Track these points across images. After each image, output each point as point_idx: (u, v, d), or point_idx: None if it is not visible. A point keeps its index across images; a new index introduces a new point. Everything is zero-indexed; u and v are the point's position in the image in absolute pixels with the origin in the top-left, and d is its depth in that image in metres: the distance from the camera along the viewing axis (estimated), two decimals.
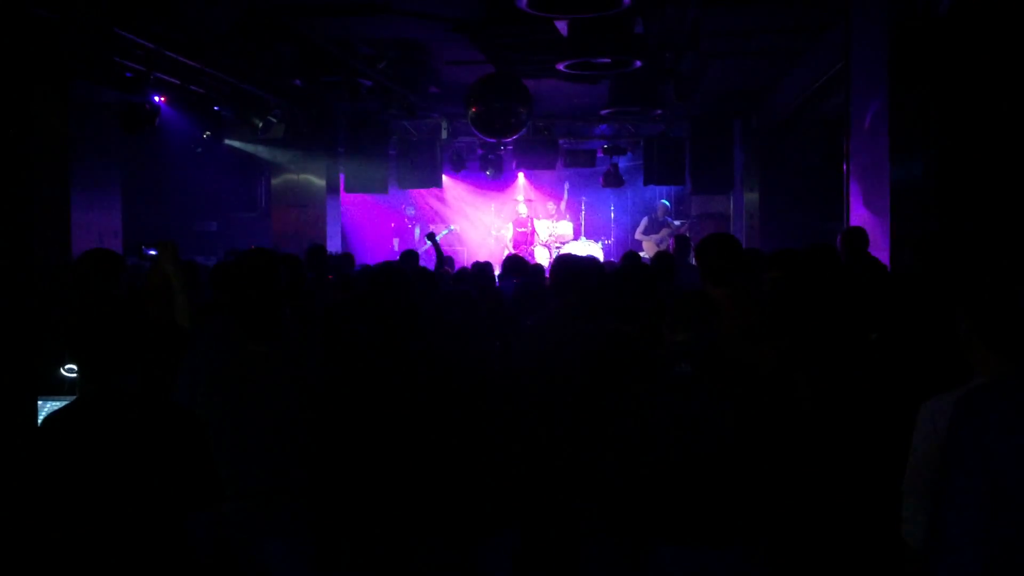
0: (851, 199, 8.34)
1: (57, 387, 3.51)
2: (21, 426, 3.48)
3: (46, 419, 2.70)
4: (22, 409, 3.50)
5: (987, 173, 5.91)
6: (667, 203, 16.05)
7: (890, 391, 3.20)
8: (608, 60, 9.63)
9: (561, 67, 9.88)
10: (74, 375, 3.50)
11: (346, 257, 9.49)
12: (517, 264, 7.81)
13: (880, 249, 6.81)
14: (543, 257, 15.40)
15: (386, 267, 4.19)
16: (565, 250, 14.49)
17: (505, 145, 14.98)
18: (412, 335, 3.77)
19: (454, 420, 3.46)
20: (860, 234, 6.46)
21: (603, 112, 13.40)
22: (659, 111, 13.24)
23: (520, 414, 3.57)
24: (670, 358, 3.16)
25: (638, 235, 15.73)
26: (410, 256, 8.64)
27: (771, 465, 3.09)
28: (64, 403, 2.86)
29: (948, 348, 3.03)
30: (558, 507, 3.59)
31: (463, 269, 7.89)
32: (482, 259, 8.81)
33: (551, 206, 17.17)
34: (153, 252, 4.06)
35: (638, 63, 9.82)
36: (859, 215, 7.92)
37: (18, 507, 2.65)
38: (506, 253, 15.74)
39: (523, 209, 16.77)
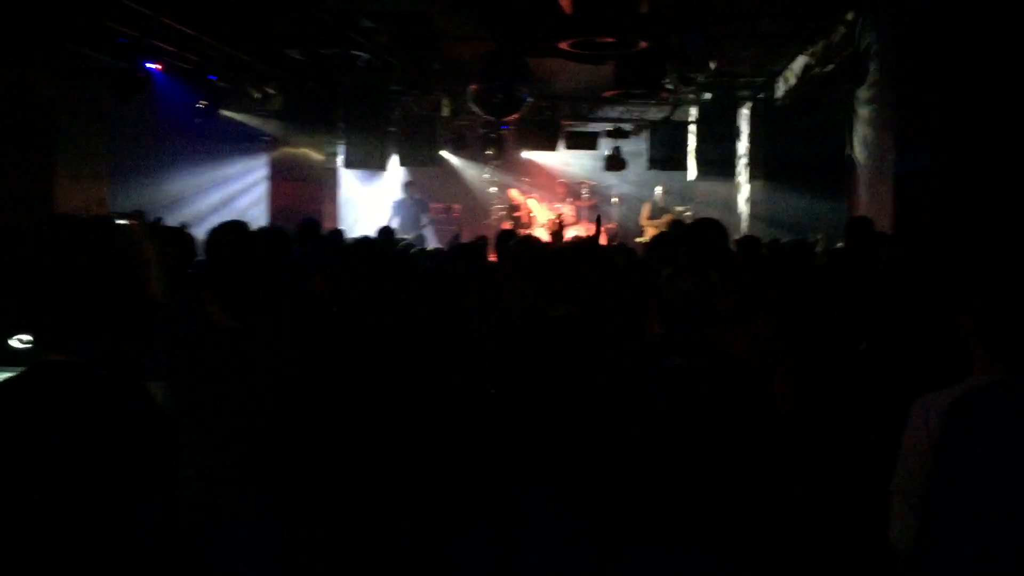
0: (856, 189, 8.18)
1: (12, 359, 3.36)
2: None
3: None
4: None
5: (996, 166, 5.75)
6: (660, 189, 15.74)
7: (878, 389, 3.06)
8: (612, 40, 9.44)
9: (564, 46, 9.70)
10: (27, 345, 3.36)
11: (336, 233, 9.31)
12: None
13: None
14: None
15: (361, 244, 4.04)
16: (569, 235, 14.31)
17: (506, 125, 14.78)
18: (387, 314, 3.63)
19: (428, 407, 3.33)
20: (866, 224, 6.29)
21: (607, 94, 13.21)
22: (664, 95, 13.07)
23: (488, 402, 3.43)
24: (659, 349, 2.96)
25: (642, 221, 15.54)
26: (387, 232, 8.49)
27: (755, 464, 2.93)
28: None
29: (942, 345, 2.90)
30: (530, 502, 3.45)
31: (438, 249, 7.78)
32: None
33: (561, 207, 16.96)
34: (123, 223, 3.92)
35: (643, 44, 9.63)
36: (864, 205, 7.76)
37: None
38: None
39: (516, 193, 16.62)
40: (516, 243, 4.78)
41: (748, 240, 5.79)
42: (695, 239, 3.90)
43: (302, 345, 3.75)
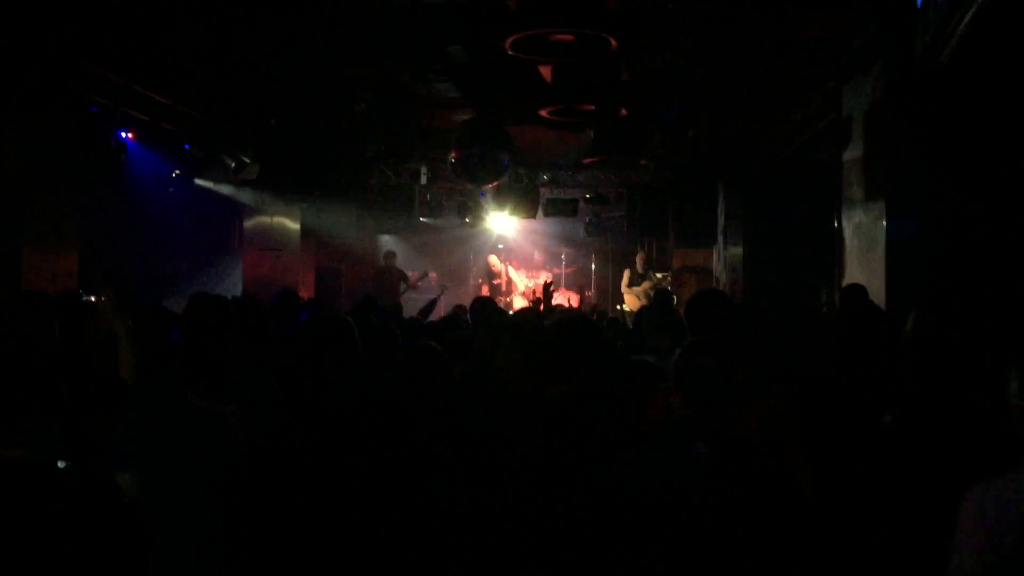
0: (843, 256, 8.05)
1: None
2: None
3: None
4: None
5: (992, 232, 5.63)
6: (640, 256, 15.65)
7: (912, 468, 2.83)
8: (593, 107, 9.40)
9: (544, 113, 9.64)
10: None
11: (313, 303, 9.04)
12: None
13: None
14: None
15: (328, 320, 3.77)
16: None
17: (485, 192, 14.69)
18: (357, 397, 3.38)
19: (408, 502, 3.06)
20: (861, 292, 6.11)
21: (586, 161, 13.17)
22: (643, 161, 13.04)
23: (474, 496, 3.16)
24: (681, 433, 2.72)
25: (622, 288, 15.40)
26: (368, 302, 8.18)
27: (781, 556, 2.68)
28: None
29: (983, 421, 2.69)
30: None
31: (415, 319, 7.58)
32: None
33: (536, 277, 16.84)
34: (92, 298, 3.67)
35: (623, 111, 9.59)
36: (852, 274, 7.62)
37: None
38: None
39: (495, 260, 16.47)
40: (512, 318, 4.56)
41: (750, 309, 5.61)
42: (702, 312, 3.70)
43: (275, 431, 3.49)
